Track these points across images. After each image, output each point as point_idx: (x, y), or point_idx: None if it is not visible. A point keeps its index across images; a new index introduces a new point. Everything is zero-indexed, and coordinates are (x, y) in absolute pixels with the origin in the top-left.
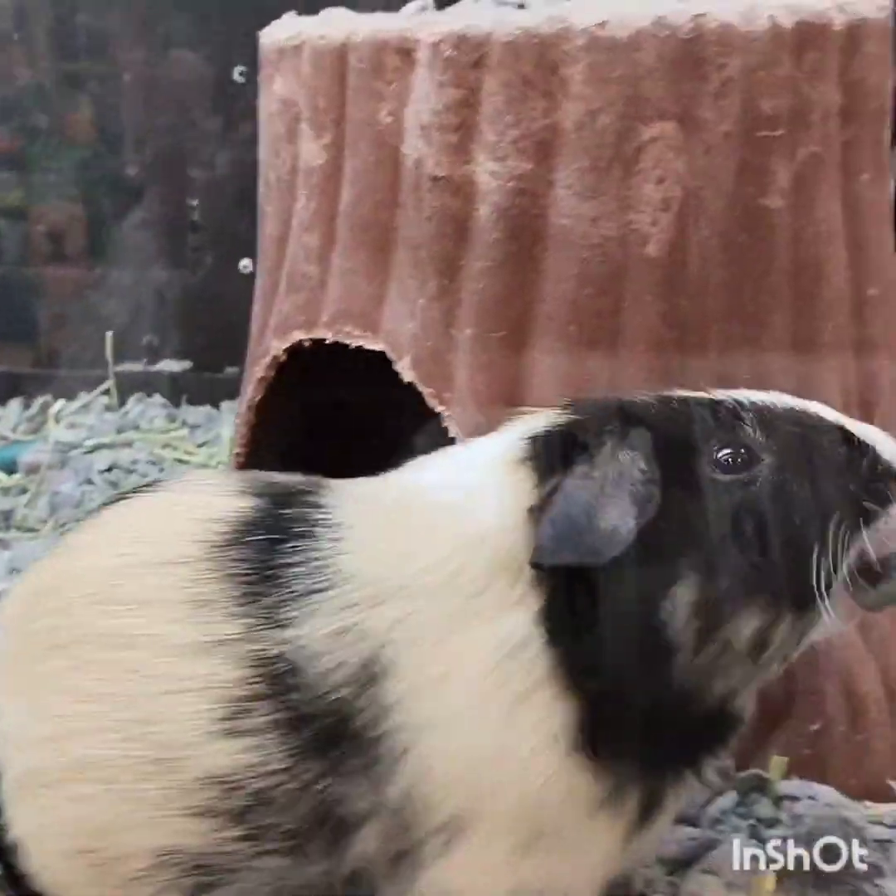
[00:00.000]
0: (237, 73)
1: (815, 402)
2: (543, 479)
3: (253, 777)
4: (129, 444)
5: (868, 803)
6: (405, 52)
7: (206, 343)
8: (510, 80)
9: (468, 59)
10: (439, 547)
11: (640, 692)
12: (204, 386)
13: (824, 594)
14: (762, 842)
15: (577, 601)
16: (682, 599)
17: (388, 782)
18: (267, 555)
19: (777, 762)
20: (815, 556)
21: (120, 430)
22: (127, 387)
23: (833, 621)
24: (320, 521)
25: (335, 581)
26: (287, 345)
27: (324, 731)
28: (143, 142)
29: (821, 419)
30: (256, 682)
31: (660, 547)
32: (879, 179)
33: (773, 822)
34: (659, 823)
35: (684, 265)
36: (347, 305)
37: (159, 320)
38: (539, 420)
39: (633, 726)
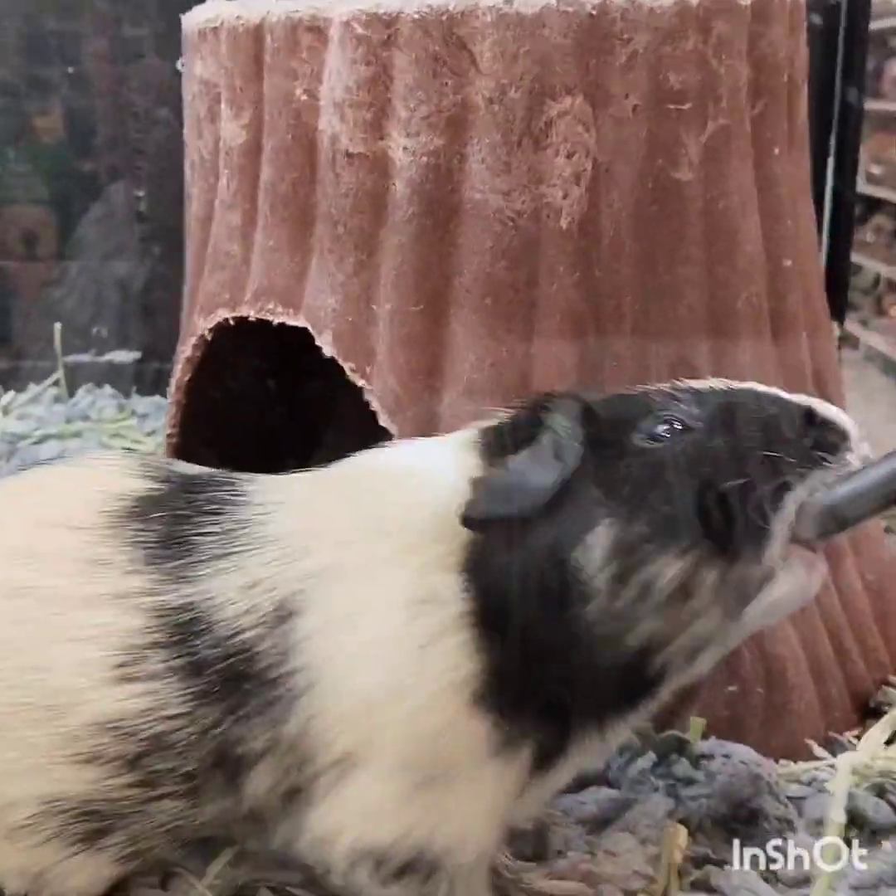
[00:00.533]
0: (180, 64)
1: (753, 383)
2: (492, 459)
3: (148, 722)
4: (78, 435)
5: (785, 762)
6: (318, 30)
7: (154, 333)
8: (420, 57)
9: (379, 36)
10: (383, 506)
11: (552, 638)
12: (153, 376)
13: (756, 540)
14: (679, 800)
15: (498, 549)
16: (598, 542)
17: (286, 720)
18: (173, 527)
19: (695, 723)
20: (744, 504)
21: (69, 421)
22: (77, 378)
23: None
24: (240, 500)
25: (255, 544)
26: (212, 324)
27: (226, 674)
28: (87, 134)
29: (756, 390)
30: (156, 631)
31: (580, 496)
32: (794, 153)
33: (690, 782)
34: (556, 776)
35: (597, 238)
36: (269, 282)
37: (108, 311)
38: (498, 415)
39: (540, 676)
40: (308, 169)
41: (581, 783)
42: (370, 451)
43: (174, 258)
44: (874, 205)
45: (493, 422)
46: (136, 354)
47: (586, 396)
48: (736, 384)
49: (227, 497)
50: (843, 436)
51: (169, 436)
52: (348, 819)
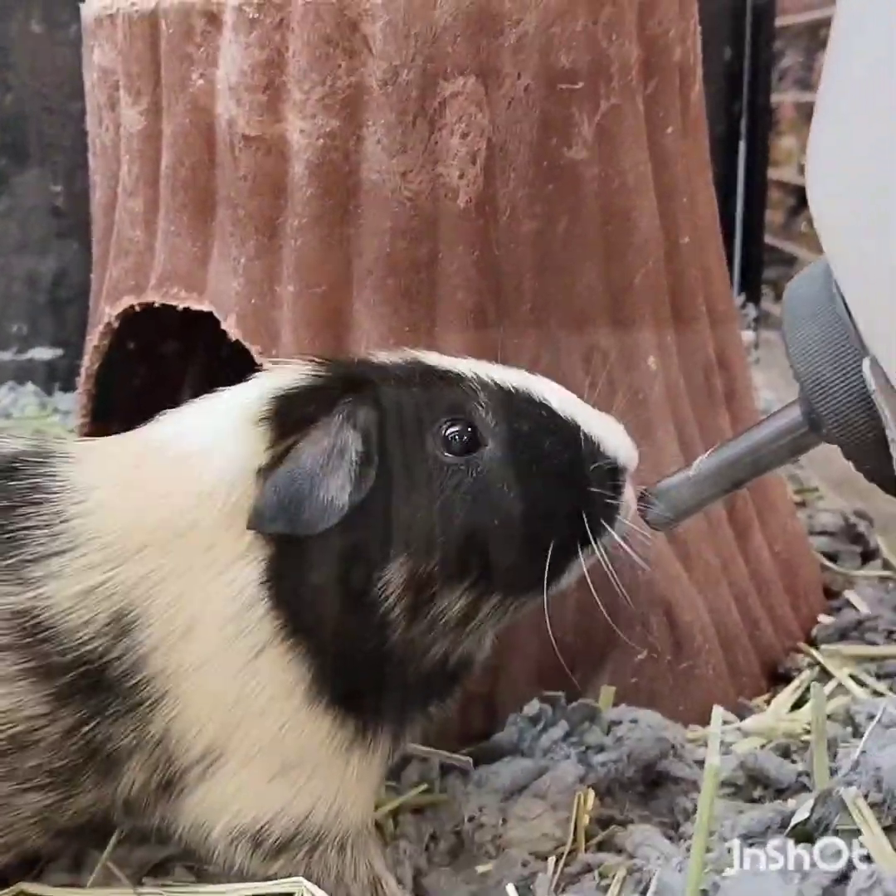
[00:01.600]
0: None
1: (555, 386)
2: (278, 439)
3: (7, 722)
4: None
5: (694, 726)
6: (212, 15)
7: (75, 329)
8: (313, 39)
9: (271, 19)
10: (173, 503)
11: (360, 657)
12: (75, 372)
13: (537, 582)
14: (590, 766)
15: (298, 569)
16: (393, 579)
17: (149, 721)
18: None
19: (606, 692)
20: (526, 547)
21: None
22: None
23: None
24: (58, 487)
25: (77, 543)
26: (118, 311)
27: (81, 680)
28: (2, 129)
29: (553, 412)
30: (5, 634)
31: (375, 525)
32: (689, 132)
33: (600, 748)
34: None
35: (494, 216)
36: (173, 268)
37: (28, 309)
38: (287, 377)
39: (362, 683)
40: (207, 153)
41: (495, 753)
42: (162, 417)
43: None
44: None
45: (283, 386)
46: (57, 351)
47: (377, 381)
48: (537, 386)
49: (46, 483)
50: (621, 469)
51: (80, 426)
52: (221, 803)
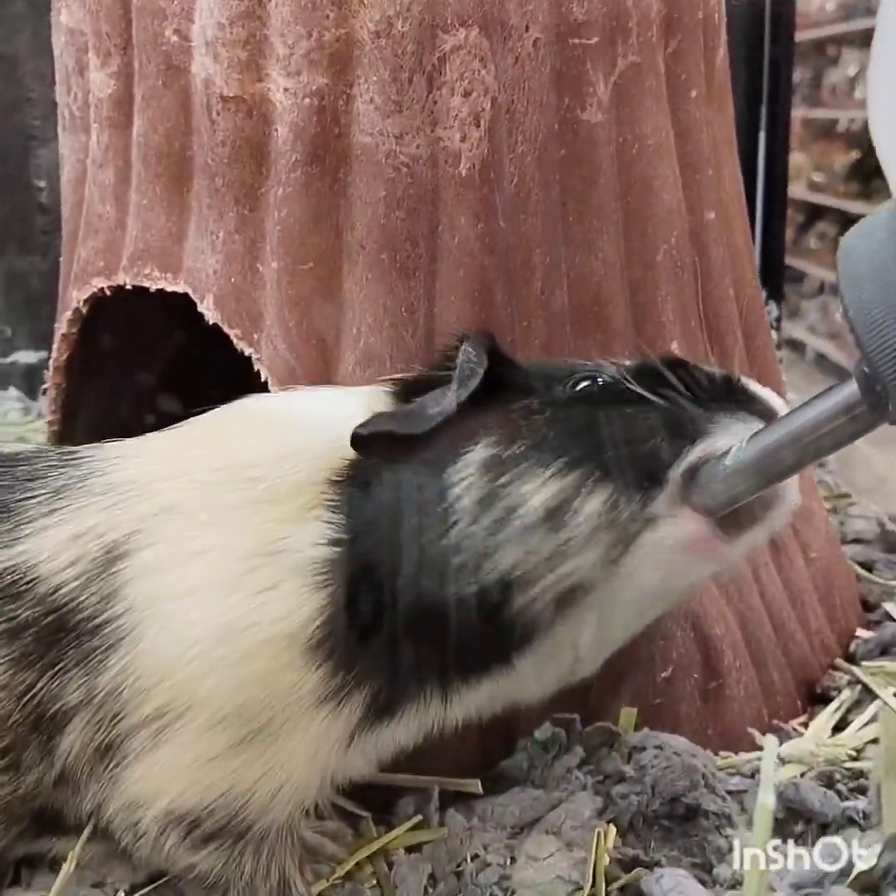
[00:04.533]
0: None
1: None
2: (404, 401)
3: None
4: None
5: (725, 753)
6: None
7: None
8: None
9: None
10: (254, 452)
11: (408, 571)
12: None
13: (646, 478)
14: (609, 798)
15: (376, 477)
16: (472, 460)
17: (102, 670)
18: None
19: (627, 713)
20: (641, 442)
21: None
22: None
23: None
24: (75, 463)
25: (89, 496)
26: (87, 295)
27: (44, 631)
28: None
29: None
30: None
31: (472, 422)
32: (714, 98)
33: (620, 778)
34: (390, 731)
35: (500, 184)
36: (146, 245)
37: (11, 309)
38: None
39: (387, 617)
40: (182, 117)
41: (502, 783)
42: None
43: None
44: (817, 212)
45: (408, 376)
46: (42, 354)
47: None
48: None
49: (58, 463)
50: (758, 401)
51: (50, 423)
52: (164, 781)
